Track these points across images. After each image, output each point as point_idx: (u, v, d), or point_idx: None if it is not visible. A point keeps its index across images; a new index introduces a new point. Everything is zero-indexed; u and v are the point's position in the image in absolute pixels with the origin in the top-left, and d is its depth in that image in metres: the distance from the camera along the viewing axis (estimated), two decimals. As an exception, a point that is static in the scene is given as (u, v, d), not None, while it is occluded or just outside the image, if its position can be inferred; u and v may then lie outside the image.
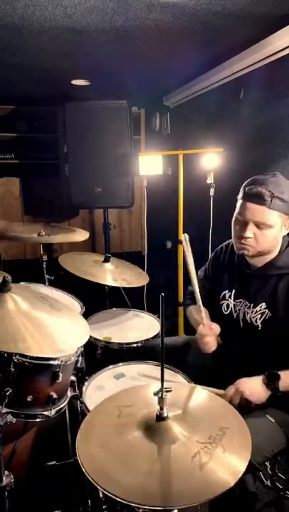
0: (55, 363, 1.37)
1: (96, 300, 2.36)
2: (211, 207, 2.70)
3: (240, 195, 1.47)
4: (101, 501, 1.47)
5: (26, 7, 1.83)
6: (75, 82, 3.16)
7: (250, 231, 1.42)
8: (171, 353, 1.73)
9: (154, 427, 1.01)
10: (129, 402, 1.14)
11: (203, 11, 1.88)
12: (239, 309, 1.57)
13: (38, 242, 2.12)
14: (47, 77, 3.07)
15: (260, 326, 1.49)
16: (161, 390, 1.02)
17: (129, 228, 4.18)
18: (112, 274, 2.10)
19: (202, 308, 1.63)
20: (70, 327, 1.38)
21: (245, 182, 1.47)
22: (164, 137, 3.98)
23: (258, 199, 1.38)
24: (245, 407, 1.37)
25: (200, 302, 1.62)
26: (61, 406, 1.45)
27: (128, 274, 2.16)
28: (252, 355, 1.53)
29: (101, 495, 1.48)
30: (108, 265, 2.16)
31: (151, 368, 1.68)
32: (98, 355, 1.91)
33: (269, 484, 1.66)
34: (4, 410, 1.28)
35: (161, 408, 1.02)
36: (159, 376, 1.04)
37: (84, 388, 1.54)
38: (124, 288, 2.74)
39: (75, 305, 2.11)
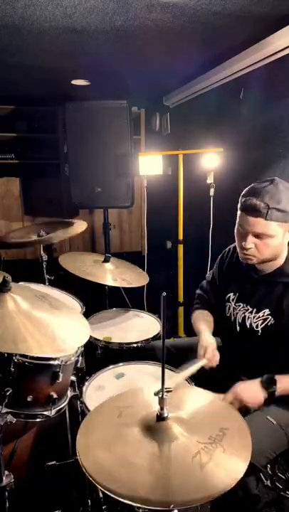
0: (55, 363, 1.37)
1: (96, 300, 2.35)
2: (211, 207, 2.70)
3: (238, 206, 1.46)
4: (101, 501, 1.47)
5: (26, 7, 1.83)
6: (75, 82, 3.16)
7: (251, 242, 1.42)
8: (172, 354, 1.73)
9: (154, 427, 1.01)
10: (129, 402, 1.14)
11: (203, 11, 1.88)
12: (237, 313, 1.57)
13: (38, 243, 2.10)
14: (47, 77, 3.07)
15: (260, 331, 1.49)
16: (161, 390, 1.02)
17: (129, 228, 4.18)
18: (112, 274, 2.10)
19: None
20: (71, 326, 1.37)
21: (243, 191, 1.45)
22: (164, 137, 3.98)
23: (254, 212, 1.37)
24: (244, 410, 1.38)
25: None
26: (61, 406, 1.45)
27: (128, 274, 2.16)
28: (250, 358, 1.53)
29: (101, 495, 1.48)
30: (108, 265, 2.16)
31: (151, 368, 1.68)
32: (98, 355, 1.91)
33: (269, 484, 1.66)
34: (4, 410, 1.28)
35: (162, 408, 1.02)
36: (159, 376, 1.04)
37: (84, 388, 1.54)
38: (124, 288, 2.73)
39: (75, 305, 2.11)
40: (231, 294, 1.62)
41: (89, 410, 1.36)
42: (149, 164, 2.86)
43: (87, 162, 3.16)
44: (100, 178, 3.17)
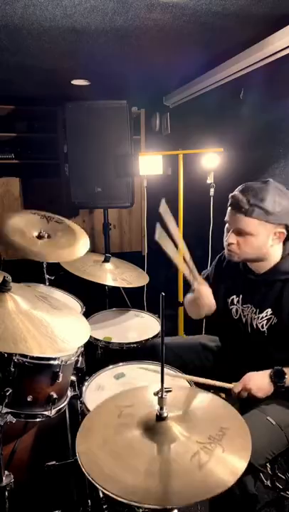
0: (55, 362, 1.37)
1: (96, 300, 2.35)
2: (211, 207, 2.70)
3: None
4: (101, 501, 1.47)
5: (26, 7, 1.83)
6: (75, 82, 3.16)
7: (232, 238, 1.44)
8: (173, 353, 1.73)
9: (154, 427, 1.01)
10: (129, 402, 1.14)
11: (203, 11, 1.88)
12: (247, 314, 1.56)
13: (33, 253, 2.02)
14: (47, 77, 3.07)
15: (266, 331, 1.49)
16: (161, 390, 1.02)
17: (129, 228, 4.18)
18: (112, 274, 2.10)
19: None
20: (71, 326, 1.37)
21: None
22: (164, 137, 3.98)
23: (236, 207, 1.39)
24: (251, 401, 1.40)
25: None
26: (61, 406, 1.45)
27: (128, 274, 2.16)
28: (259, 360, 1.52)
29: (101, 495, 1.48)
30: (108, 265, 2.16)
31: (151, 368, 1.68)
32: (98, 355, 1.91)
33: (269, 484, 1.66)
34: (4, 410, 1.28)
35: (161, 408, 1.02)
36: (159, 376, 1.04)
37: (84, 388, 1.54)
38: (124, 288, 2.73)
39: (75, 305, 2.11)
40: (234, 296, 1.61)
41: (89, 410, 1.36)
42: (149, 164, 2.86)
43: (87, 162, 3.16)
44: (100, 178, 3.16)
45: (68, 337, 1.30)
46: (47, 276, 2.28)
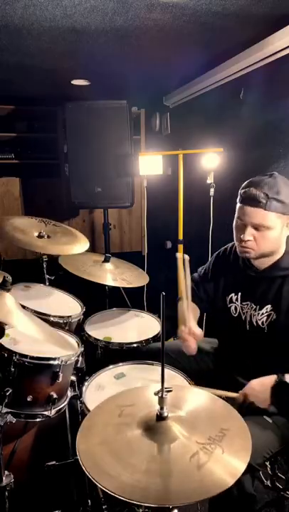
0: (55, 362, 1.38)
1: (96, 300, 2.35)
2: (211, 207, 2.70)
3: (238, 199, 1.47)
4: (101, 501, 1.47)
5: (26, 7, 1.83)
6: (75, 82, 3.16)
7: (249, 234, 1.42)
8: (171, 359, 1.72)
9: (154, 427, 1.01)
10: (130, 401, 1.14)
11: (203, 11, 1.88)
12: (246, 312, 1.56)
13: (36, 246, 2.07)
14: (47, 77, 3.07)
15: (266, 328, 1.49)
16: (161, 389, 1.02)
17: (129, 228, 4.18)
18: (112, 274, 2.10)
19: (190, 306, 1.63)
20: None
21: (242, 185, 1.46)
22: (164, 137, 3.98)
23: (254, 201, 1.38)
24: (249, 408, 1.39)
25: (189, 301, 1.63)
26: (61, 406, 1.45)
27: (128, 274, 2.16)
28: (259, 358, 1.52)
29: (101, 495, 1.48)
30: (108, 265, 2.16)
31: (151, 368, 1.68)
32: (98, 355, 1.91)
33: (269, 484, 1.66)
34: (4, 410, 1.28)
35: (162, 408, 1.02)
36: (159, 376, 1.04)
37: (84, 388, 1.54)
38: (124, 288, 2.73)
39: (75, 305, 2.11)
40: (233, 294, 1.61)
41: (89, 410, 1.36)
42: (149, 164, 2.86)
43: (87, 162, 3.15)
44: (100, 178, 3.16)
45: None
46: (47, 276, 2.28)
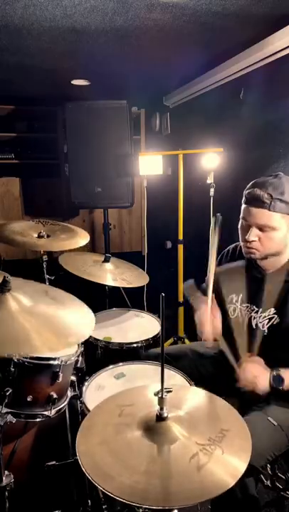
0: (55, 362, 1.37)
1: (96, 300, 2.35)
2: (211, 207, 2.70)
3: (242, 200, 1.47)
4: (101, 501, 1.47)
5: (26, 7, 1.83)
6: (75, 82, 3.17)
7: (254, 234, 1.42)
8: (167, 360, 1.71)
9: (154, 427, 1.01)
10: (130, 401, 1.14)
11: (203, 11, 1.88)
12: (246, 314, 1.55)
13: (37, 246, 2.10)
14: (47, 77, 3.07)
15: (266, 331, 1.48)
16: (161, 390, 1.02)
17: (129, 228, 4.18)
18: (112, 274, 2.10)
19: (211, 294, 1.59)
20: (76, 317, 1.35)
21: (247, 186, 1.46)
22: (164, 137, 3.98)
23: (258, 202, 1.38)
24: (251, 400, 1.40)
25: (210, 290, 1.59)
26: (61, 406, 1.45)
27: (128, 274, 2.16)
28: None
29: (101, 495, 1.48)
30: (108, 265, 2.16)
31: (151, 368, 1.68)
32: (98, 355, 1.91)
33: (269, 484, 1.66)
34: (4, 410, 1.28)
35: (161, 408, 1.02)
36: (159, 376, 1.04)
37: (84, 388, 1.54)
38: (124, 288, 2.73)
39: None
40: (234, 295, 1.61)
41: (89, 410, 1.36)
42: (149, 164, 2.86)
43: (87, 162, 3.16)
44: (100, 178, 3.16)
45: (75, 329, 1.28)
46: (47, 276, 2.28)
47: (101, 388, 1.55)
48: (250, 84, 2.57)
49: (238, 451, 0.96)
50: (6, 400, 1.28)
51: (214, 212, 2.70)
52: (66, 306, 1.40)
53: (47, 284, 2.26)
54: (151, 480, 0.88)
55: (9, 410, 1.30)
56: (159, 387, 1.02)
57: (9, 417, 1.29)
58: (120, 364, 1.71)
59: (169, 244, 4.14)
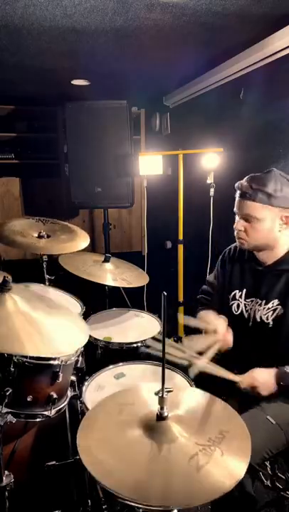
0: (55, 363, 1.37)
1: (96, 300, 2.35)
2: (211, 207, 2.70)
3: None
4: (101, 501, 1.47)
5: (26, 7, 1.83)
6: (75, 82, 3.17)
7: (240, 225, 1.50)
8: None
9: (154, 427, 1.01)
10: (130, 400, 1.14)
11: (203, 11, 1.88)
12: (250, 308, 1.56)
13: (37, 248, 2.11)
14: (47, 77, 3.07)
15: (271, 323, 1.49)
16: (161, 389, 1.02)
17: (129, 228, 4.18)
18: (112, 274, 2.09)
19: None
20: (69, 329, 1.37)
21: None
22: (164, 137, 3.98)
23: (242, 193, 1.47)
24: (251, 398, 1.40)
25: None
26: (61, 406, 1.45)
27: (128, 274, 2.16)
28: (262, 354, 1.52)
29: (101, 495, 1.48)
30: (108, 265, 2.16)
31: (151, 368, 1.68)
32: (98, 355, 1.91)
33: (269, 484, 1.66)
34: (4, 410, 1.28)
35: (162, 408, 1.02)
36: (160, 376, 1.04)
37: (84, 388, 1.54)
38: (124, 288, 2.73)
39: (75, 305, 2.11)
40: (236, 291, 1.62)
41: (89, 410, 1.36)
42: (149, 164, 2.86)
43: (87, 162, 3.16)
44: (100, 178, 3.17)
45: (67, 338, 1.30)
46: (47, 276, 2.28)
47: (101, 388, 1.55)
48: (250, 84, 2.57)
49: (237, 452, 0.95)
50: (6, 400, 1.28)
51: (214, 213, 2.70)
52: (60, 315, 1.40)
53: (47, 284, 2.26)
54: (152, 478, 0.88)
55: (9, 410, 1.30)
56: (159, 387, 1.02)
57: (9, 417, 1.29)
58: (120, 364, 1.71)
59: (169, 244, 4.14)
